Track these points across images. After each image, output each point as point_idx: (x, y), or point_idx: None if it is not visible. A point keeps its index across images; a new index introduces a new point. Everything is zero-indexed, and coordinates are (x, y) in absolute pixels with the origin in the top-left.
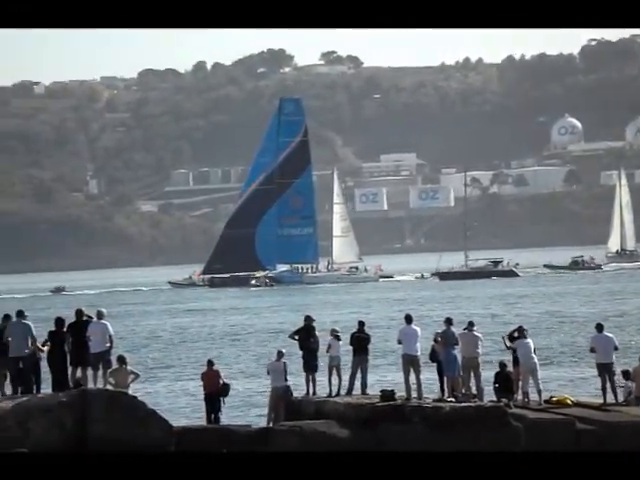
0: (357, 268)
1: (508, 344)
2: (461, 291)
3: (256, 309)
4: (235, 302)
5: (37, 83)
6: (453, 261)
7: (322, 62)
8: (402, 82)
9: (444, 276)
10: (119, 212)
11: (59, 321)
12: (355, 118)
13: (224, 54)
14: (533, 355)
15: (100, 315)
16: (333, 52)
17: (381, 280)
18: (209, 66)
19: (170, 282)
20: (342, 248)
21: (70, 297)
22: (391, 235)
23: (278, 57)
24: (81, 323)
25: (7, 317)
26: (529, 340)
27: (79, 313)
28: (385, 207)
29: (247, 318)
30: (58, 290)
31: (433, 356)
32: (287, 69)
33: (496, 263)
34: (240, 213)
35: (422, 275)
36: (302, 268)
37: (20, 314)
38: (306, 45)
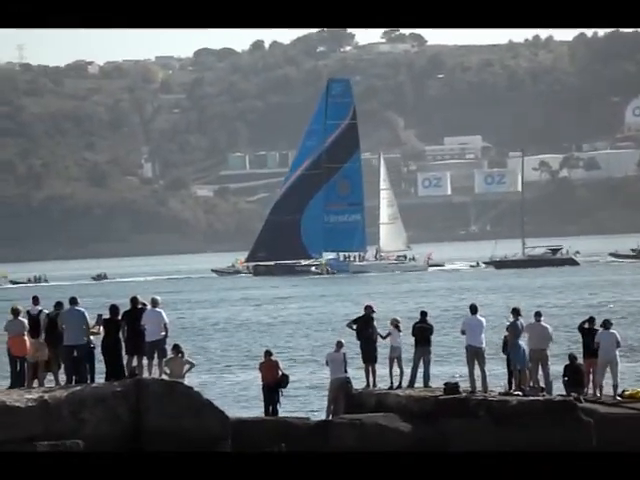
0: (405, 257)
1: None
2: (517, 280)
3: (303, 298)
4: (280, 291)
5: (91, 63)
6: (511, 249)
7: (384, 40)
8: (468, 61)
9: (500, 264)
10: (174, 196)
11: (114, 309)
12: (418, 99)
13: (282, 33)
14: (615, 347)
15: (155, 303)
16: (395, 30)
17: (430, 269)
18: (267, 45)
19: (214, 270)
20: (389, 236)
21: (111, 285)
22: (455, 221)
23: (338, 35)
24: (136, 311)
25: (59, 304)
26: (614, 331)
27: (134, 300)
28: (449, 192)
29: (299, 307)
30: (99, 278)
31: (506, 348)
32: (347, 48)
33: (555, 251)
34: (285, 199)
35: (477, 263)
36: (349, 256)
37: (73, 301)
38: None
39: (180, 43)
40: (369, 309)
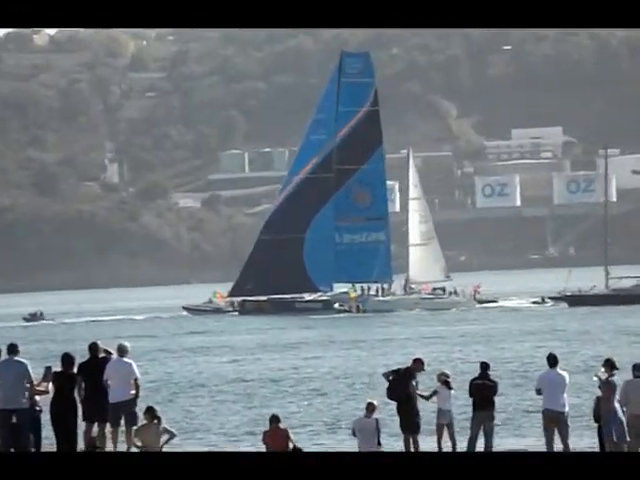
0: (443, 290)
1: None
2: (600, 320)
3: (310, 344)
4: (271, 336)
5: (38, 32)
6: (591, 279)
7: None
8: (542, 29)
9: (574, 300)
10: (148, 208)
11: (67, 358)
12: (476, 79)
13: None
14: None
15: (122, 351)
16: None
17: (478, 306)
18: None
19: (185, 307)
20: (422, 262)
21: (49, 327)
22: (526, 242)
23: None
24: (97, 361)
25: None
26: None
27: (94, 348)
28: (518, 202)
29: (304, 358)
30: (34, 317)
31: (597, 414)
32: None
33: None
34: (283, 212)
35: (542, 299)
36: (368, 289)
37: (12, 350)
38: None
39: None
40: (418, 364)
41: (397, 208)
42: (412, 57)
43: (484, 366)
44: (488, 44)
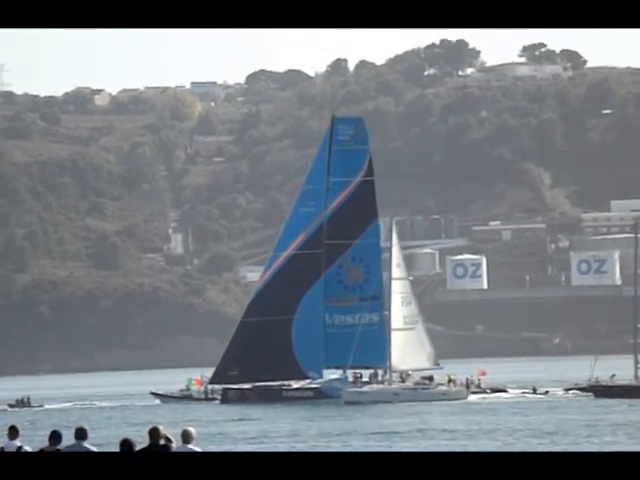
0: (431, 379)
1: None
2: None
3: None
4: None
5: (99, 92)
6: (618, 368)
7: (523, 59)
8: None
9: (601, 391)
10: (213, 283)
11: (126, 445)
12: (573, 145)
13: (372, 49)
14: None
15: (187, 437)
16: (541, 45)
17: (472, 397)
18: (351, 66)
19: (154, 393)
20: (405, 348)
21: (32, 413)
22: (628, 324)
23: (456, 52)
24: (157, 449)
25: (57, 437)
26: None
27: (154, 434)
28: (618, 281)
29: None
30: (21, 403)
31: None
32: (469, 70)
33: None
34: (269, 292)
35: (534, 389)
36: (360, 376)
37: (81, 434)
38: (499, 35)
39: (227, 64)
40: None
41: (485, 285)
42: (502, 120)
43: None
44: (586, 107)
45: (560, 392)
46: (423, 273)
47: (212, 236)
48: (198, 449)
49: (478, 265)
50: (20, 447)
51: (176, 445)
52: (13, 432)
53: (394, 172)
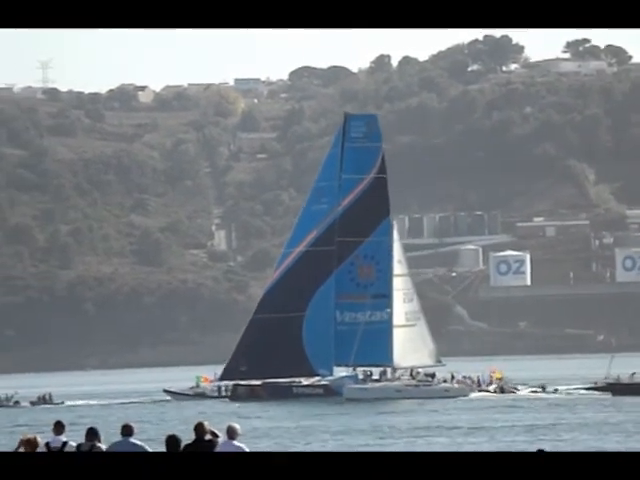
0: (433, 376)
1: None
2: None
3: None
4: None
5: (143, 88)
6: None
7: (567, 55)
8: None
9: (619, 390)
10: (257, 279)
11: (172, 442)
12: (617, 141)
13: (415, 45)
14: None
15: (232, 433)
16: (585, 41)
17: (475, 395)
18: (394, 62)
19: (166, 391)
20: (406, 345)
21: (55, 411)
22: None
23: (500, 48)
24: (203, 445)
25: (93, 433)
26: None
27: (200, 429)
28: None
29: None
30: (43, 401)
31: None
32: (513, 66)
33: None
34: (279, 289)
35: (542, 387)
36: (370, 374)
37: (127, 431)
38: (543, 31)
39: (270, 60)
40: None
41: (528, 282)
42: (547, 116)
43: None
44: (632, 103)
45: (569, 390)
46: (466, 269)
47: (255, 233)
48: (243, 445)
49: (522, 262)
50: (65, 442)
51: (222, 440)
52: (59, 427)
53: (438, 168)
